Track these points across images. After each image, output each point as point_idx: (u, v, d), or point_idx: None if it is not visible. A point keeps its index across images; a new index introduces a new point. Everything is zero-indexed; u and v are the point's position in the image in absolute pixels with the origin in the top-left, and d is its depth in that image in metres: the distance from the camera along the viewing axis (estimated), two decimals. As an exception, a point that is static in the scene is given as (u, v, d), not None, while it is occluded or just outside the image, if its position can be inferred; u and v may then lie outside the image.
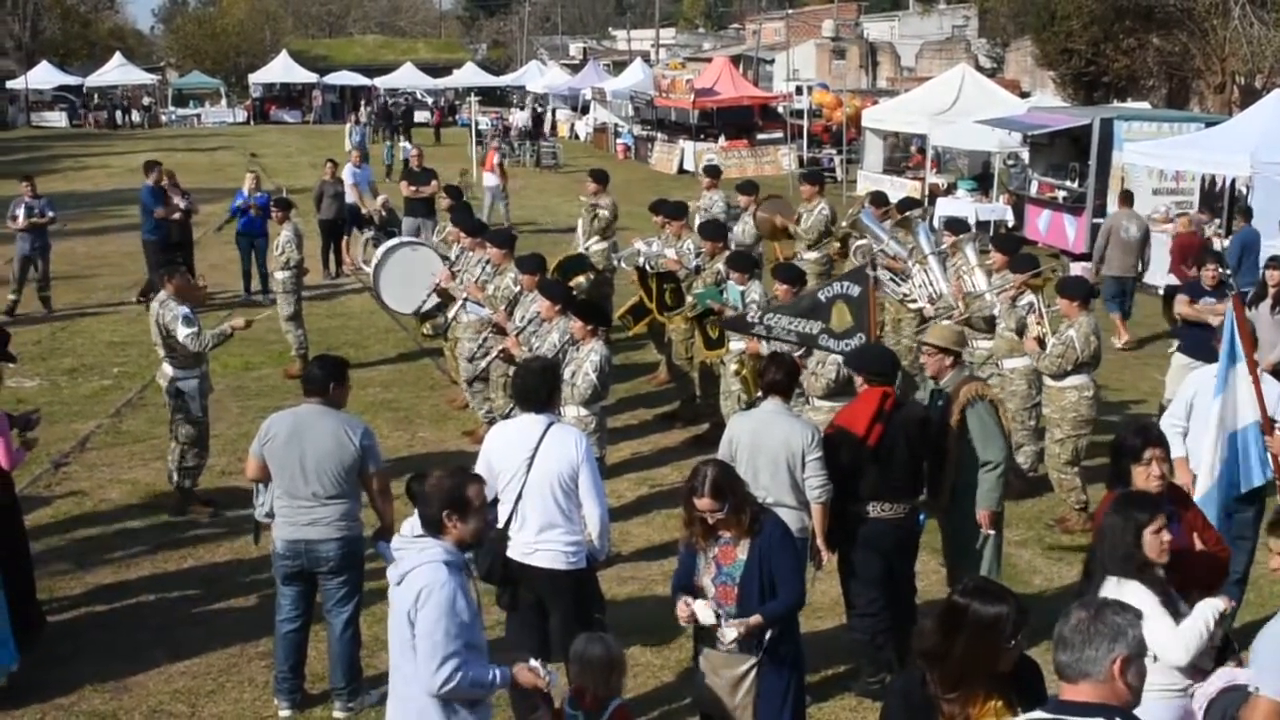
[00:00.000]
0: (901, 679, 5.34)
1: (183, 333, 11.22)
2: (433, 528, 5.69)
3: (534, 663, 5.92)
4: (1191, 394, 9.10)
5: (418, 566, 5.57)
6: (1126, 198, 20.36)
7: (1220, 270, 13.88)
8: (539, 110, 57.38)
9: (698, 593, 6.46)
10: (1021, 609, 4.57)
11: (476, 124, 44.82)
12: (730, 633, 6.32)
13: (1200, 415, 8.81)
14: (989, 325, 12.29)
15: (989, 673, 4.56)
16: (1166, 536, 5.70)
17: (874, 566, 8.17)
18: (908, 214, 15.02)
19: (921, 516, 8.50)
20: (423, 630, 5.48)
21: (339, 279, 22.93)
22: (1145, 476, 6.50)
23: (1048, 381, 11.36)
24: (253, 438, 8.20)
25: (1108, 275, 18.89)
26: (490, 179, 28.72)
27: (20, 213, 19.72)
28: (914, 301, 13.49)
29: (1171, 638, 5.57)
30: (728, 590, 6.37)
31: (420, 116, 61.47)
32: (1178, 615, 5.64)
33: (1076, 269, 21.15)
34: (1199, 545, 6.36)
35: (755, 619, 6.29)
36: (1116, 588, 5.55)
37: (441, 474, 5.88)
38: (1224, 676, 5.55)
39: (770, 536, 6.35)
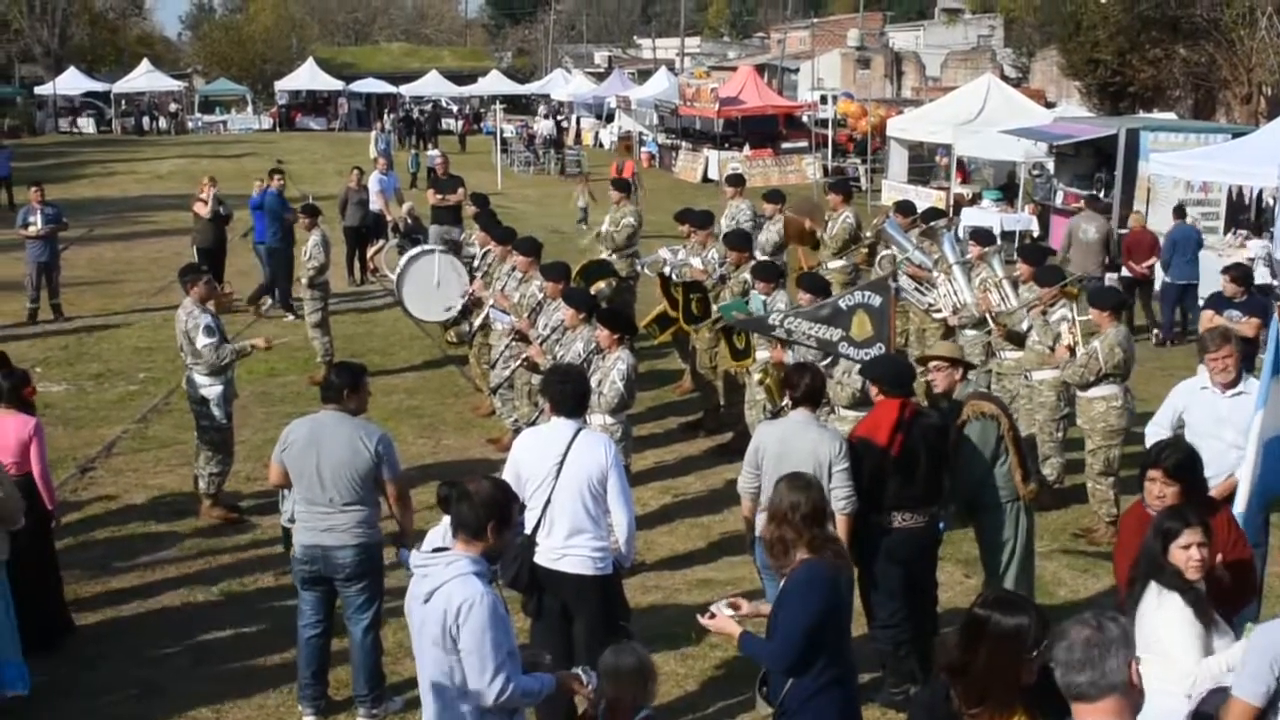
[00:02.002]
0: (926, 692, 5.31)
1: (202, 341, 11.28)
2: (471, 534, 5.60)
3: (576, 670, 5.92)
4: (1180, 405, 9.07)
5: (448, 582, 5.48)
6: (1092, 201, 22.25)
7: (1242, 283, 13.77)
8: (560, 120, 57.43)
9: None
10: (1044, 620, 4.51)
11: (501, 132, 45.00)
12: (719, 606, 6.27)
13: (1191, 432, 8.81)
14: (1019, 340, 12.26)
15: (1013, 685, 4.53)
16: (1197, 555, 5.68)
17: (895, 577, 8.16)
18: (931, 224, 15.01)
19: (941, 525, 8.49)
20: (470, 645, 5.41)
21: (364, 286, 22.98)
22: (1148, 495, 6.52)
23: (1078, 392, 11.35)
24: (276, 444, 8.22)
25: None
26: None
27: (38, 219, 19.77)
28: (939, 311, 13.48)
29: (1188, 669, 5.57)
30: (770, 619, 6.24)
31: (447, 124, 61.67)
32: (1212, 633, 5.62)
33: (1106, 279, 21.06)
34: (1219, 559, 6.30)
35: (735, 629, 6.20)
36: (1156, 598, 5.54)
37: (485, 482, 5.80)
38: (1213, 677, 5.54)
39: (794, 581, 6.06)
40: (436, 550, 5.66)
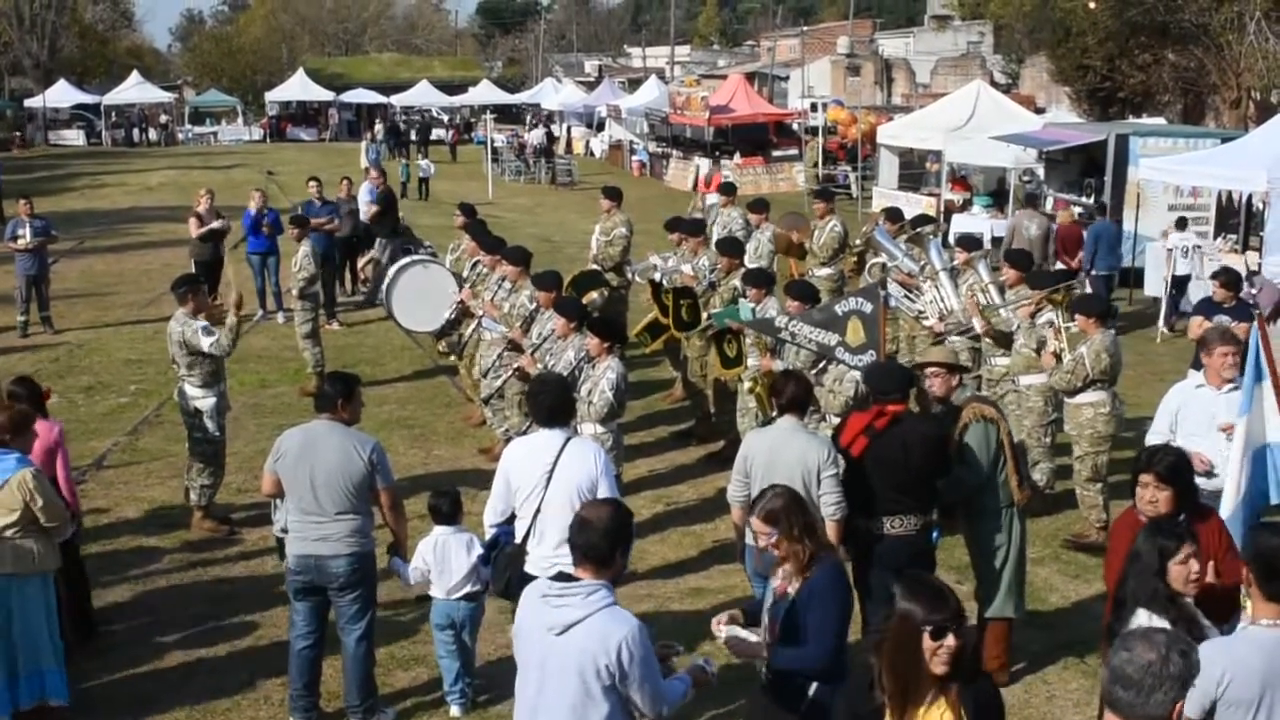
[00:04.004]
0: (851, 680, 5.33)
1: (206, 343, 11.32)
2: (600, 563, 5.37)
3: (700, 661, 5.86)
4: (1176, 406, 9.15)
5: (594, 615, 5.23)
6: (1030, 200, 25.00)
7: (1232, 288, 13.79)
8: (549, 128, 57.48)
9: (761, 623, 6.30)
10: (956, 613, 4.60)
11: (492, 141, 45.01)
12: (721, 631, 6.15)
13: (1187, 431, 8.87)
14: (1006, 342, 12.28)
15: (916, 670, 4.57)
16: (1195, 567, 5.67)
17: (887, 584, 8.13)
18: (918, 230, 15.04)
19: (935, 534, 8.48)
20: (640, 675, 5.23)
21: (354, 296, 22.95)
22: (1141, 500, 6.51)
23: (1065, 398, 11.36)
24: (269, 455, 8.22)
25: None
26: (714, 198, 30.21)
27: (26, 232, 19.73)
28: (928, 318, 13.48)
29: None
30: (774, 625, 6.17)
31: (437, 134, 61.69)
32: None
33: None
34: (1211, 576, 6.26)
35: (759, 648, 6.11)
36: (1147, 623, 5.53)
37: (604, 507, 5.58)
38: None
39: (819, 583, 6.02)
40: (561, 578, 5.43)
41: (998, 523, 8.66)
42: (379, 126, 54.90)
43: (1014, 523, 8.71)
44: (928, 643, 4.55)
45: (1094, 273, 20.73)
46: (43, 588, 8.05)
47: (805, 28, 76.78)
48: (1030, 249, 20.01)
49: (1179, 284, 21.39)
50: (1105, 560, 7.11)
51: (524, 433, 10.17)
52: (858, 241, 16.89)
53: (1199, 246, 21.89)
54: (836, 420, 10.27)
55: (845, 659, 6.07)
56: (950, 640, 4.56)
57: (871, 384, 8.47)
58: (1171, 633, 4.24)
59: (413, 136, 56.56)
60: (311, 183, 21.99)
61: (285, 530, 8.17)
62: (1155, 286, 22.29)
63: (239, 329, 11.86)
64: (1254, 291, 14.86)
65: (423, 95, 70.23)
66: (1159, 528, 5.86)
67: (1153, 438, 9.00)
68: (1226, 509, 7.41)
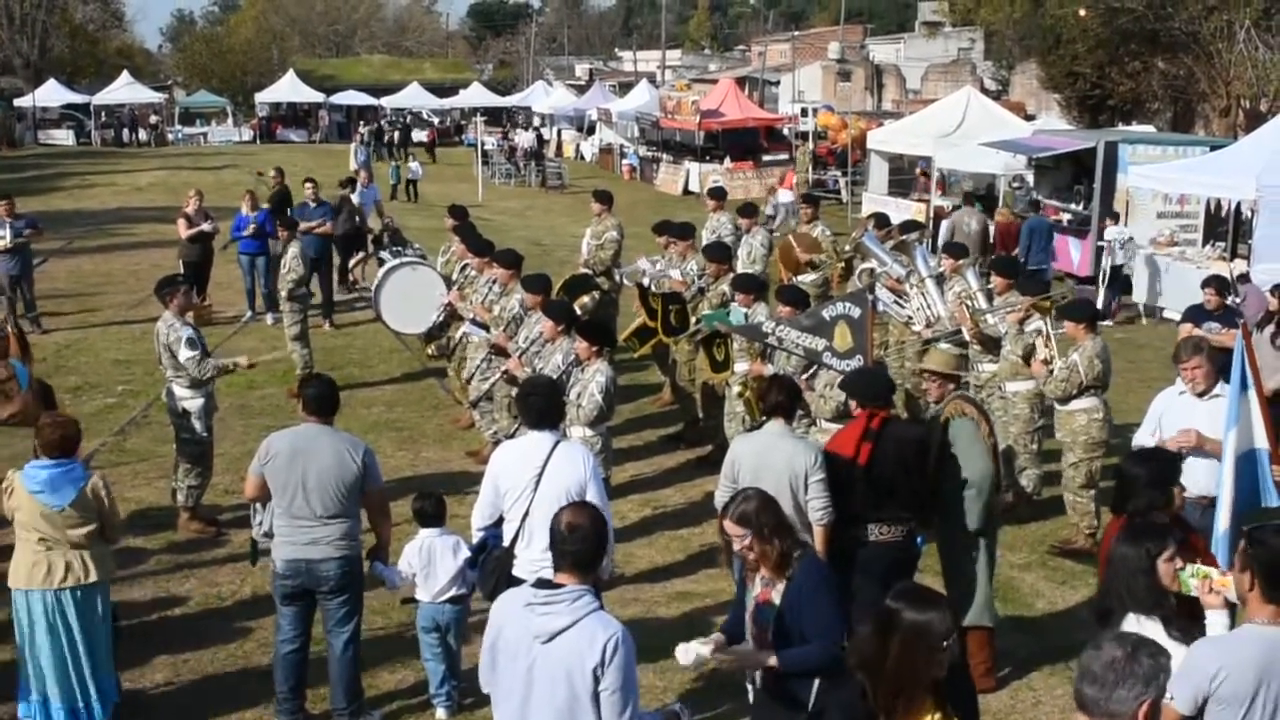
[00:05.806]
0: (842, 691, 5.32)
1: (185, 354, 11.28)
2: (586, 569, 5.30)
3: (674, 707, 5.82)
4: (1159, 413, 9.22)
5: (582, 620, 5.14)
6: (969, 198, 26.14)
7: (1223, 295, 13.83)
8: (538, 131, 57.48)
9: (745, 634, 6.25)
10: (954, 614, 4.63)
11: (482, 144, 45.01)
12: (688, 655, 6.05)
13: (1166, 436, 8.90)
14: (994, 347, 12.29)
15: (924, 679, 4.56)
16: (1179, 564, 5.72)
17: (873, 590, 8.11)
18: (904, 237, 15.06)
19: (919, 539, 8.47)
20: (616, 682, 5.11)
21: (348, 295, 22.90)
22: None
23: (1057, 405, 11.37)
24: (255, 457, 8.19)
25: None
26: (786, 195, 31.71)
27: (6, 233, 19.61)
28: (916, 324, 13.50)
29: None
30: (765, 633, 6.11)
31: (418, 136, 61.66)
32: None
33: (1082, 292, 21.34)
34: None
35: (757, 656, 6.07)
36: (1137, 626, 5.54)
37: (583, 513, 5.45)
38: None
39: (804, 580, 5.97)
40: (543, 585, 5.32)
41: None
42: (364, 129, 54.76)
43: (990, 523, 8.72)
44: (940, 653, 4.55)
45: (1028, 267, 21.12)
46: (105, 594, 8.13)
47: (796, 33, 76.85)
48: (969, 243, 20.88)
49: (1114, 275, 22.60)
50: (1100, 568, 7.12)
51: (512, 435, 10.16)
52: (846, 247, 16.90)
53: (1132, 239, 22.87)
54: (829, 426, 10.30)
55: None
56: (955, 647, 4.59)
57: (852, 392, 8.48)
58: (1144, 637, 4.27)
59: (395, 139, 56.55)
60: (307, 184, 21.94)
61: (268, 534, 8.15)
62: (1141, 292, 22.49)
63: (225, 373, 12.10)
64: (1238, 300, 14.92)
65: (413, 97, 70.30)
66: (1142, 529, 5.89)
67: (1137, 439, 9.09)
68: (1223, 525, 7.40)
